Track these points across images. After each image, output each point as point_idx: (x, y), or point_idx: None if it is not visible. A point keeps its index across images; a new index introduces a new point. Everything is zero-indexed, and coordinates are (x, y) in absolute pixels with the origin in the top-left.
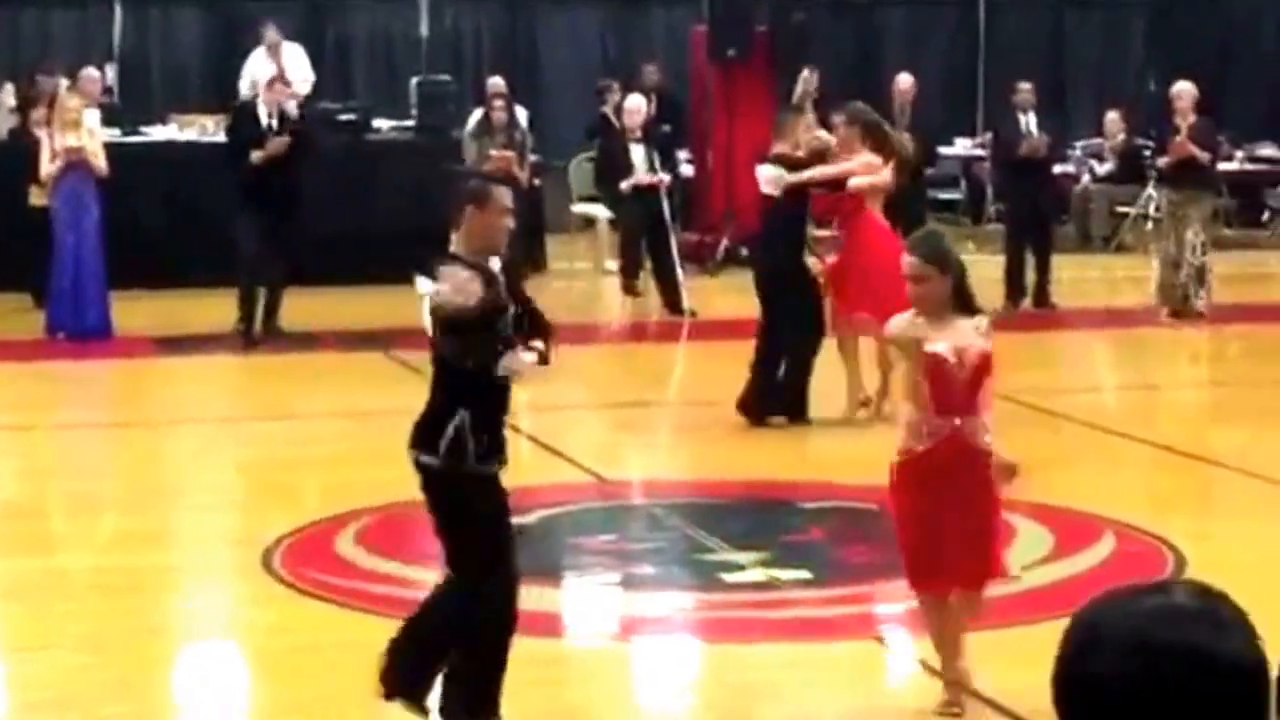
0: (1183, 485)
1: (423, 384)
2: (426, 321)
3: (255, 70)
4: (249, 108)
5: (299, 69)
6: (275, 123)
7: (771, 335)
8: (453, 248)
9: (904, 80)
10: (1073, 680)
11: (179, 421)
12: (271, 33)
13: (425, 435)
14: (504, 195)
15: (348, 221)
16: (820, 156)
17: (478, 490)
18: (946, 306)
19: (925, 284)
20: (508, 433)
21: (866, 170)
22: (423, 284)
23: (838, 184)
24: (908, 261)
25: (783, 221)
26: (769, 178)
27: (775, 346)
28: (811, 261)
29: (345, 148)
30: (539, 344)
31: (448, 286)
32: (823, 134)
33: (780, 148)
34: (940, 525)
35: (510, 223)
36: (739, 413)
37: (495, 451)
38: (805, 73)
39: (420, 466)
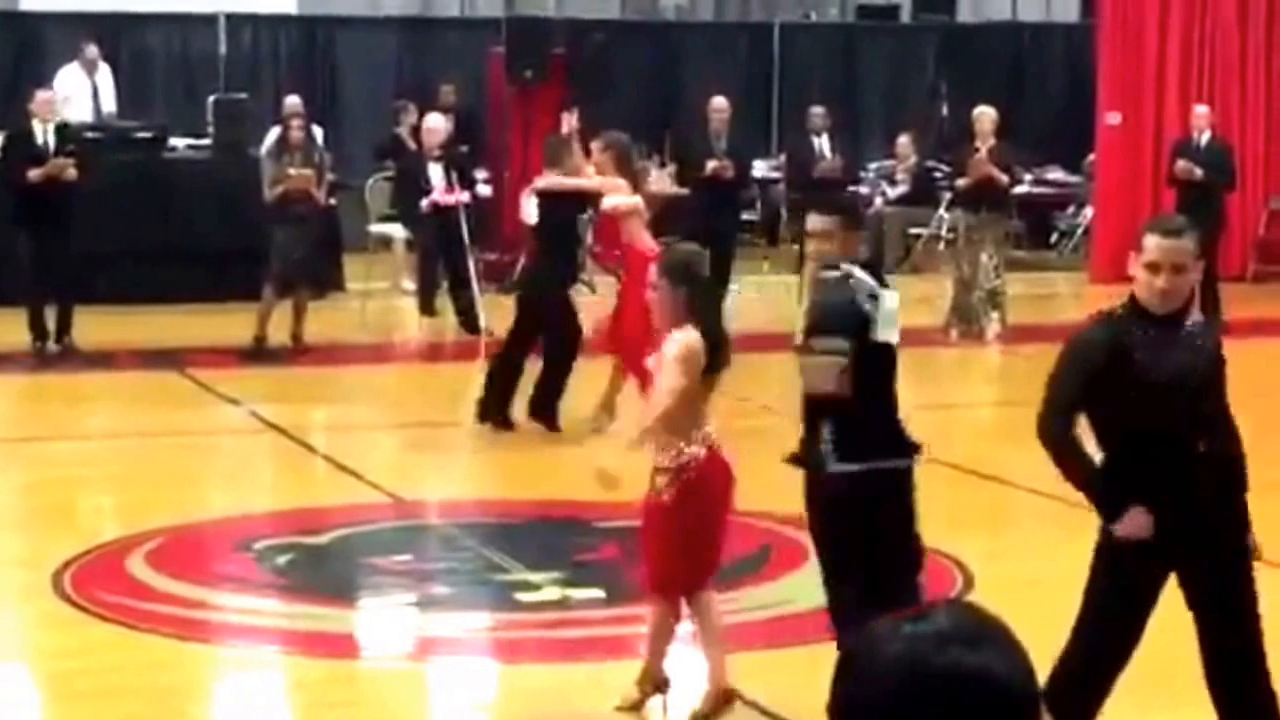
0: (974, 504)
1: (217, 402)
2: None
3: (67, 84)
4: (24, 126)
5: (107, 89)
6: (52, 140)
7: (517, 341)
8: None
9: (719, 102)
10: (847, 710)
11: None
12: (91, 49)
13: None
14: None
15: (143, 239)
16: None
17: None
18: (679, 319)
19: (655, 294)
20: (301, 453)
21: (615, 191)
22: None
23: (587, 197)
24: (650, 270)
25: (547, 253)
26: (527, 206)
27: (515, 354)
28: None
29: (141, 165)
30: None
31: None
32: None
33: (551, 174)
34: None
35: None
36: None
37: None
38: (566, 114)
39: None
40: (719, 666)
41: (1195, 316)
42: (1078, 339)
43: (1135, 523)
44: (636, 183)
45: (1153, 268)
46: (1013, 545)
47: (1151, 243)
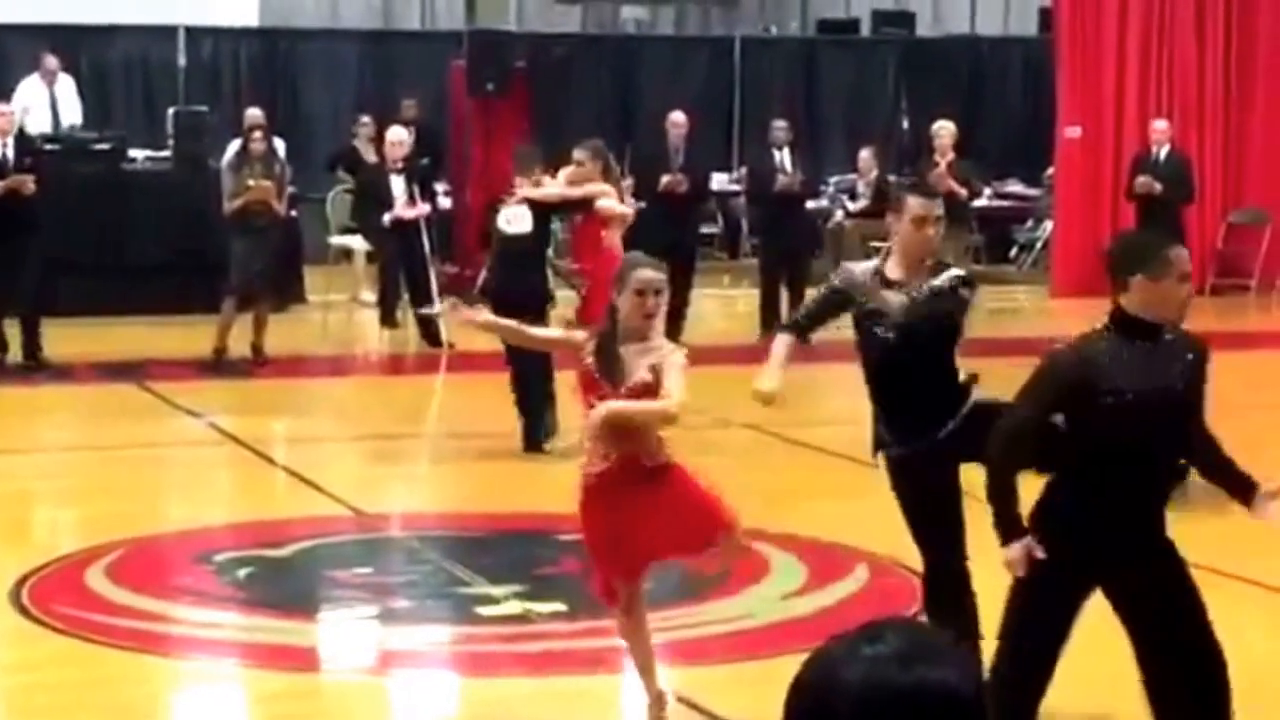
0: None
1: (176, 414)
2: None
3: (26, 95)
4: None
5: (69, 100)
6: (10, 153)
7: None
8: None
9: (677, 117)
10: None
11: None
12: (50, 60)
13: None
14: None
15: (103, 252)
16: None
17: None
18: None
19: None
20: (262, 465)
21: (602, 194)
22: None
23: (583, 205)
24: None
25: (521, 256)
26: (519, 215)
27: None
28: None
29: (100, 177)
30: None
31: None
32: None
33: (523, 183)
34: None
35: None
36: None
37: None
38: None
39: None
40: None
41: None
42: (1052, 352)
43: (1019, 556)
44: (620, 191)
45: (1186, 278)
46: (974, 558)
47: (1183, 254)
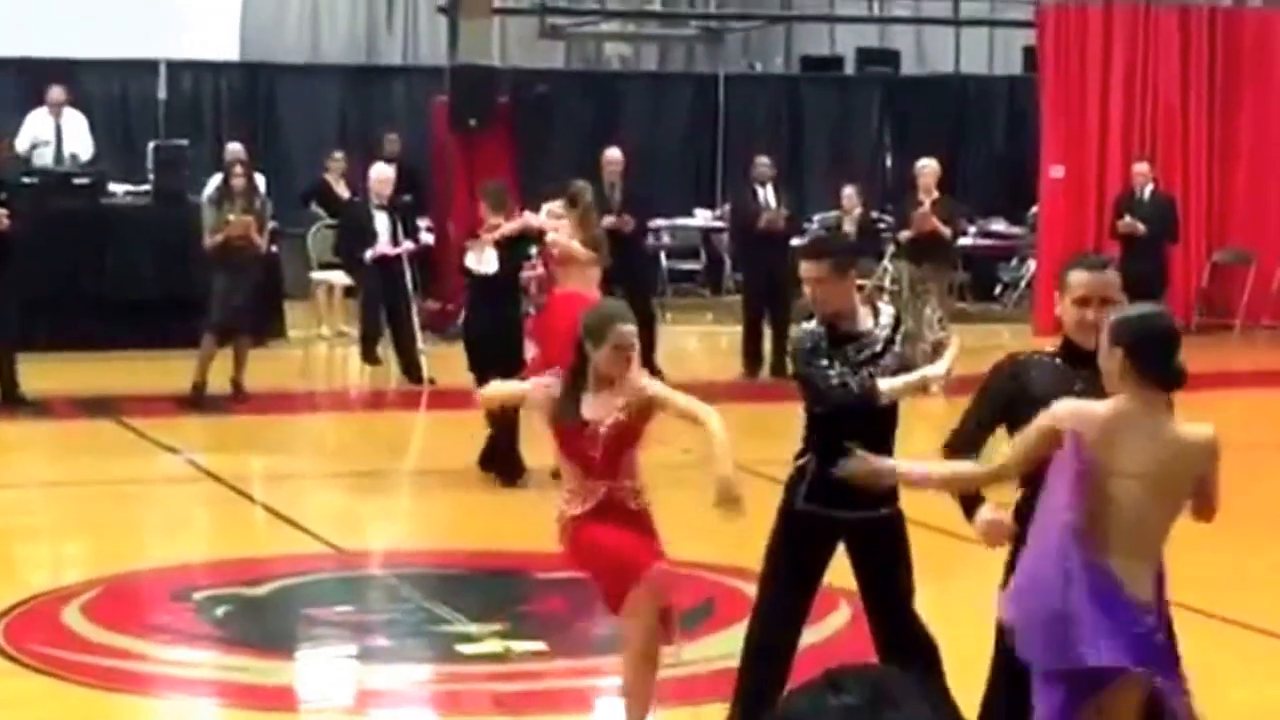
0: (920, 556)
1: (155, 450)
2: None
3: (34, 128)
4: None
5: (78, 133)
6: None
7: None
8: None
9: (612, 154)
10: None
11: None
12: (56, 92)
13: None
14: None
15: (81, 285)
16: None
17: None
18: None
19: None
20: (240, 502)
21: (558, 228)
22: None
23: (538, 235)
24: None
25: (492, 293)
26: (487, 256)
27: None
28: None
29: (80, 211)
30: None
31: None
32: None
33: (495, 220)
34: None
35: None
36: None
37: None
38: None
39: None
40: None
41: None
42: (992, 369)
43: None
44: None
45: (1082, 301)
46: (958, 597)
47: (1078, 278)
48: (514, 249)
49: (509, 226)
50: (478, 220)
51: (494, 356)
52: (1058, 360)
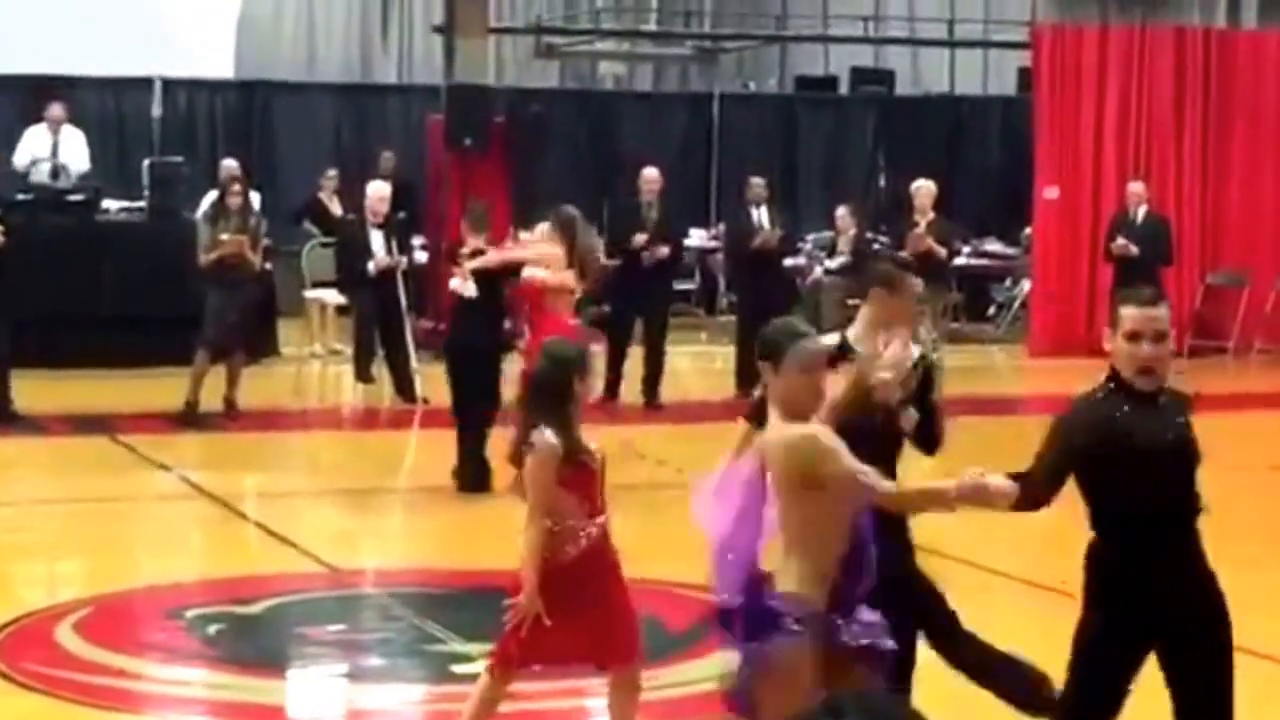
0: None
1: (148, 467)
2: None
3: (33, 145)
4: None
5: (75, 150)
6: None
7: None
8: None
9: (650, 173)
10: None
11: None
12: (56, 109)
13: None
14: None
15: (75, 302)
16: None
17: None
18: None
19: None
20: (233, 520)
21: (538, 260)
22: None
23: (515, 270)
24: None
25: (474, 313)
26: (460, 285)
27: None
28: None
29: (74, 228)
30: None
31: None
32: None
33: (474, 242)
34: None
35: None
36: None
37: None
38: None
39: None
40: None
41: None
42: (1063, 419)
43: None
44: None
45: (1133, 336)
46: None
47: (1130, 313)
48: (495, 277)
49: (487, 259)
50: (457, 240)
51: (472, 375)
52: (1099, 395)
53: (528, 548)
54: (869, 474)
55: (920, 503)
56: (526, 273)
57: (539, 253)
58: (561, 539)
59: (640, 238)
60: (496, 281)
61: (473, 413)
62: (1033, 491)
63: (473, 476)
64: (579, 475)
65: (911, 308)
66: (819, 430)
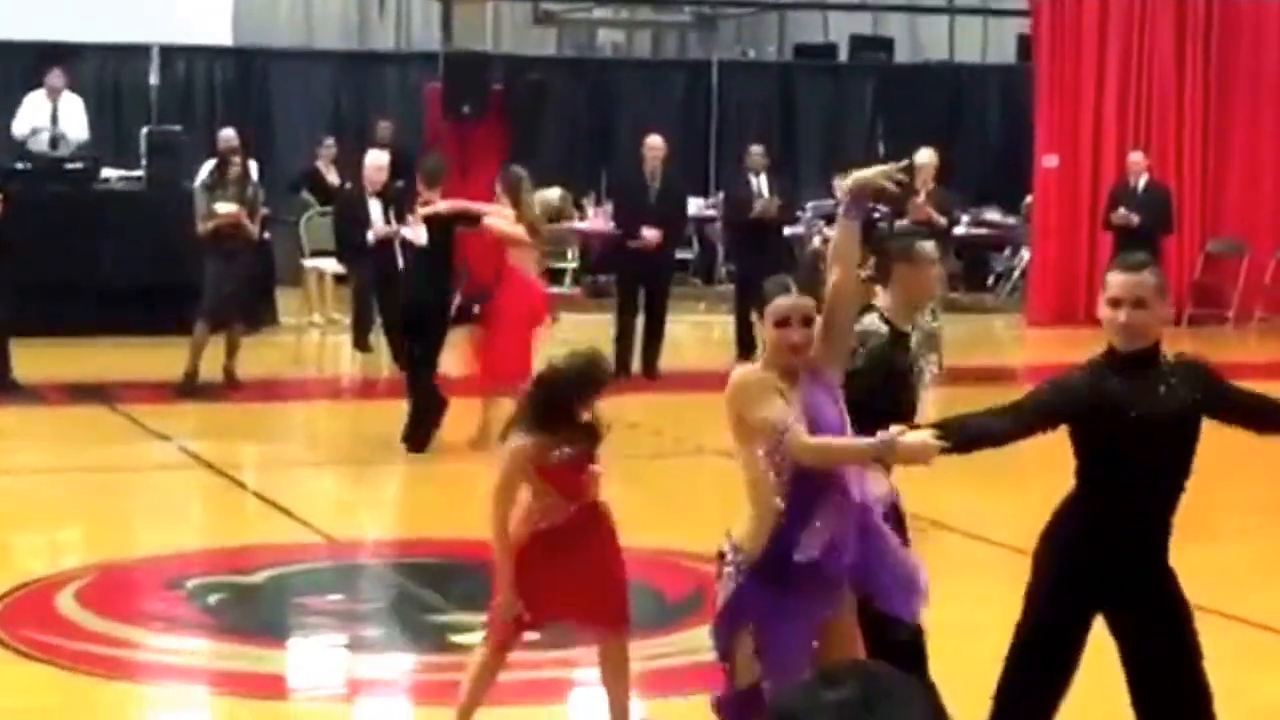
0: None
1: (147, 437)
2: None
3: (32, 113)
4: None
5: (74, 118)
6: None
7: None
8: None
9: (654, 140)
10: None
11: None
12: (55, 77)
13: None
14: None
15: (73, 272)
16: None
17: None
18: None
19: None
20: (233, 489)
21: (496, 215)
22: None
23: (472, 220)
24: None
25: (427, 269)
26: (419, 231)
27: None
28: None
29: (71, 197)
30: None
31: None
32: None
33: (428, 195)
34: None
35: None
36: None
37: None
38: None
39: None
40: None
41: (1169, 357)
42: (1058, 379)
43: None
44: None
45: (1114, 303)
46: (952, 591)
47: (1113, 279)
48: (447, 224)
49: (443, 205)
50: (414, 194)
51: (421, 323)
52: (1094, 361)
53: (497, 552)
54: (791, 427)
55: (840, 457)
56: (487, 221)
57: (491, 207)
58: (546, 512)
59: (651, 233)
60: (449, 230)
61: (420, 370)
62: (1002, 422)
63: (412, 430)
64: (560, 469)
65: (934, 276)
66: (752, 375)
